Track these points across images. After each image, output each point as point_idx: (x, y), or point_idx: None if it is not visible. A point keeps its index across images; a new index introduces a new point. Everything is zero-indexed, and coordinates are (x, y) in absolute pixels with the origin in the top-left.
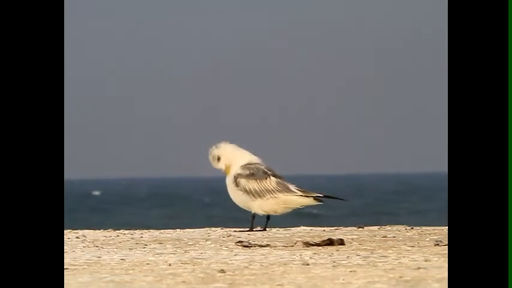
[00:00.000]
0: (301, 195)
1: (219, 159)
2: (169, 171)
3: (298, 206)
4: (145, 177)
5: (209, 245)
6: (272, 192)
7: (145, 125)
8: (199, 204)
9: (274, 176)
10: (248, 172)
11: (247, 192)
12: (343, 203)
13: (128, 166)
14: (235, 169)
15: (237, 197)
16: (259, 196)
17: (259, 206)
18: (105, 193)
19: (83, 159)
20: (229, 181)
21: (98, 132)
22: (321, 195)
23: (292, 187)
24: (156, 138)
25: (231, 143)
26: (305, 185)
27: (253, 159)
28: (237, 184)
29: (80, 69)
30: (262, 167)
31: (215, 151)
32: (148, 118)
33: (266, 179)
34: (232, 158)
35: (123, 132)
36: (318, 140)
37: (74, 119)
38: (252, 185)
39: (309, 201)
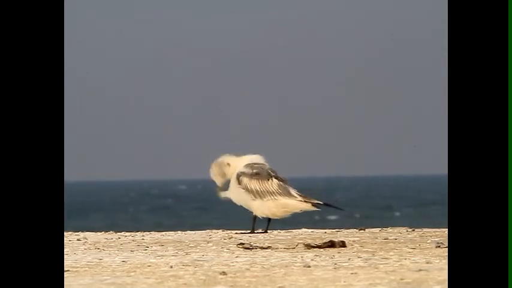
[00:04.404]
0: (301, 201)
1: (229, 164)
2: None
3: (297, 211)
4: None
5: (210, 247)
6: (272, 194)
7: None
8: None
9: (277, 178)
10: (252, 171)
11: (249, 191)
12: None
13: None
14: (239, 167)
15: (237, 194)
16: (260, 196)
17: (258, 207)
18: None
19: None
20: (232, 179)
21: (98, 133)
22: (320, 203)
23: (293, 191)
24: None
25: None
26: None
27: (258, 159)
28: (239, 182)
29: (79, 69)
30: (267, 168)
31: (224, 159)
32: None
33: (268, 180)
34: (238, 163)
35: (123, 132)
36: (318, 141)
37: (73, 119)
38: (254, 184)
39: (308, 206)
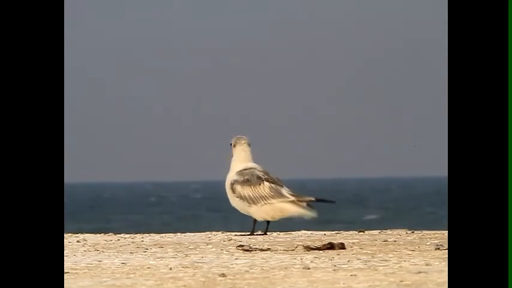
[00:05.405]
0: (294, 201)
1: (233, 145)
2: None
3: (294, 215)
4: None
5: (210, 249)
6: (265, 198)
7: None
8: None
9: (268, 180)
10: (243, 178)
11: (243, 198)
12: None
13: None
14: (232, 175)
15: (234, 202)
16: (254, 202)
17: (255, 212)
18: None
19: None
20: (227, 187)
21: (99, 133)
22: (313, 199)
23: (284, 192)
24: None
25: (250, 145)
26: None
27: (249, 164)
28: (233, 191)
29: (79, 69)
30: (257, 172)
31: (236, 141)
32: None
33: (260, 184)
34: (233, 162)
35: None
36: (317, 142)
37: (74, 119)
38: (247, 191)
39: (304, 211)
